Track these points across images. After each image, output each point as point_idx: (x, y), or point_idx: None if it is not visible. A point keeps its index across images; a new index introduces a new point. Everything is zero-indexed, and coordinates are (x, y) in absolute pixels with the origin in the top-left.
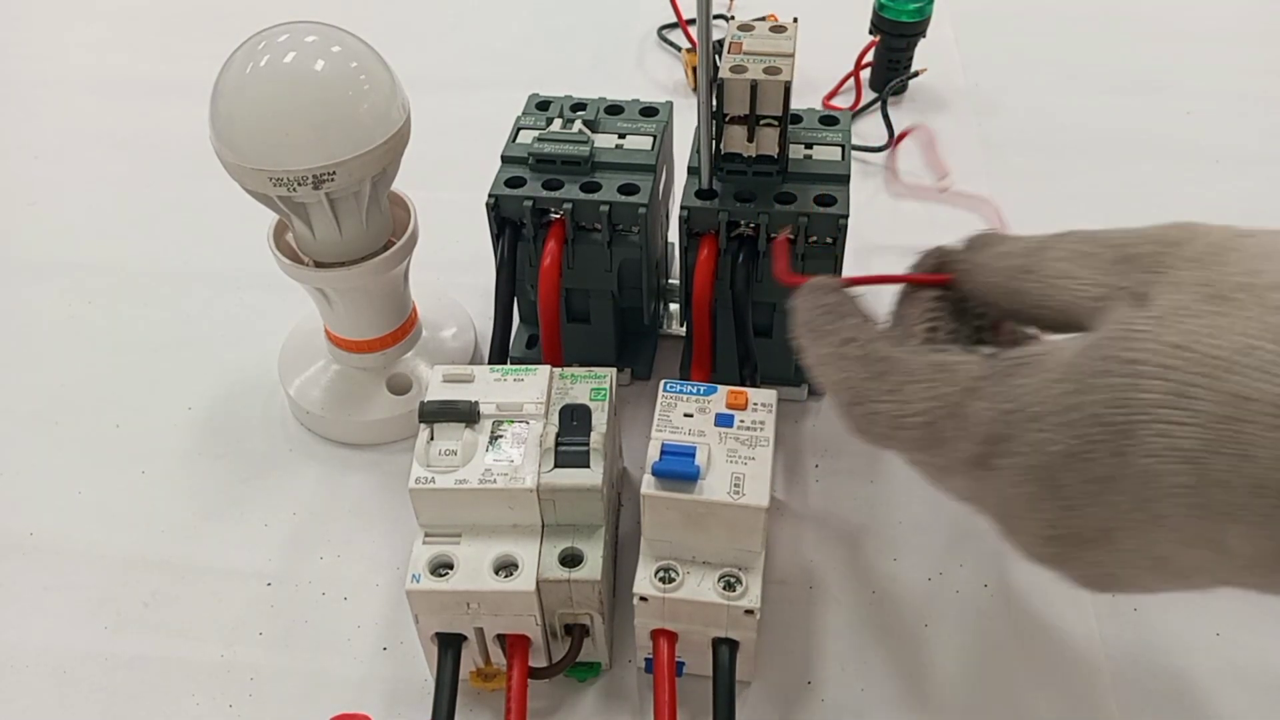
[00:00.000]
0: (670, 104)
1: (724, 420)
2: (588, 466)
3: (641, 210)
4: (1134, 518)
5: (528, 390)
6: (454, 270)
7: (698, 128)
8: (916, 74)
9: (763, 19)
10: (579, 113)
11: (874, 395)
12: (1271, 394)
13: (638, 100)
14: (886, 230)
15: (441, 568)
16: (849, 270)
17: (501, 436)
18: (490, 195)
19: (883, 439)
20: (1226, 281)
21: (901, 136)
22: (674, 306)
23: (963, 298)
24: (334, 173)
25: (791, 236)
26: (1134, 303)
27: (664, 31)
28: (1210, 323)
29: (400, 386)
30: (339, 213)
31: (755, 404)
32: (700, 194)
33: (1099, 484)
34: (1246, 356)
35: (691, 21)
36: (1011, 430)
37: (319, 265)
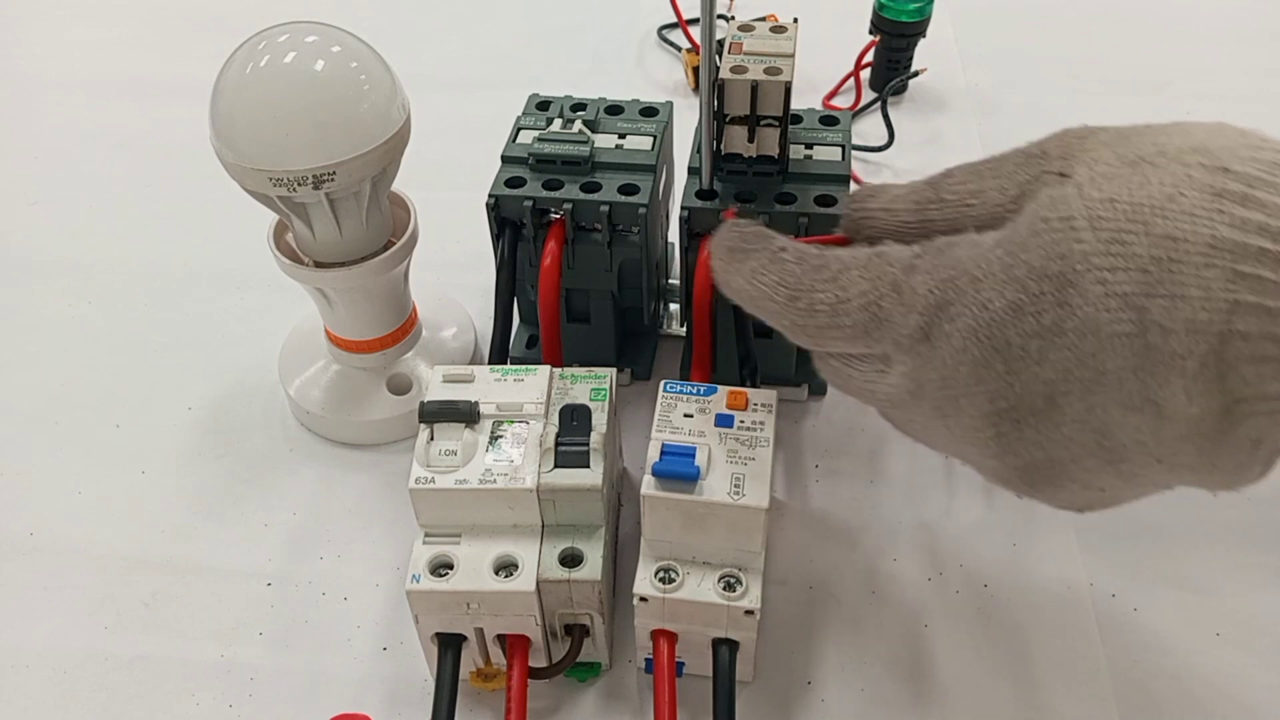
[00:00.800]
0: (670, 104)
1: (724, 421)
2: (588, 467)
3: (642, 210)
4: (1078, 375)
5: (528, 390)
6: (454, 270)
7: (698, 128)
8: (916, 74)
9: (763, 19)
10: (579, 113)
11: (814, 286)
12: (1201, 234)
13: (638, 100)
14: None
15: (441, 568)
16: None
17: (501, 436)
18: (490, 195)
19: (824, 331)
20: (1140, 151)
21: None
22: (674, 306)
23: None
24: (334, 173)
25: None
26: (1058, 181)
27: (664, 31)
28: (1134, 179)
29: (400, 386)
30: (339, 213)
31: (755, 404)
32: (701, 194)
33: (1043, 338)
34: (1173, 203)
35: (693, 21)
36: (954, 295)
37: (319, 265)
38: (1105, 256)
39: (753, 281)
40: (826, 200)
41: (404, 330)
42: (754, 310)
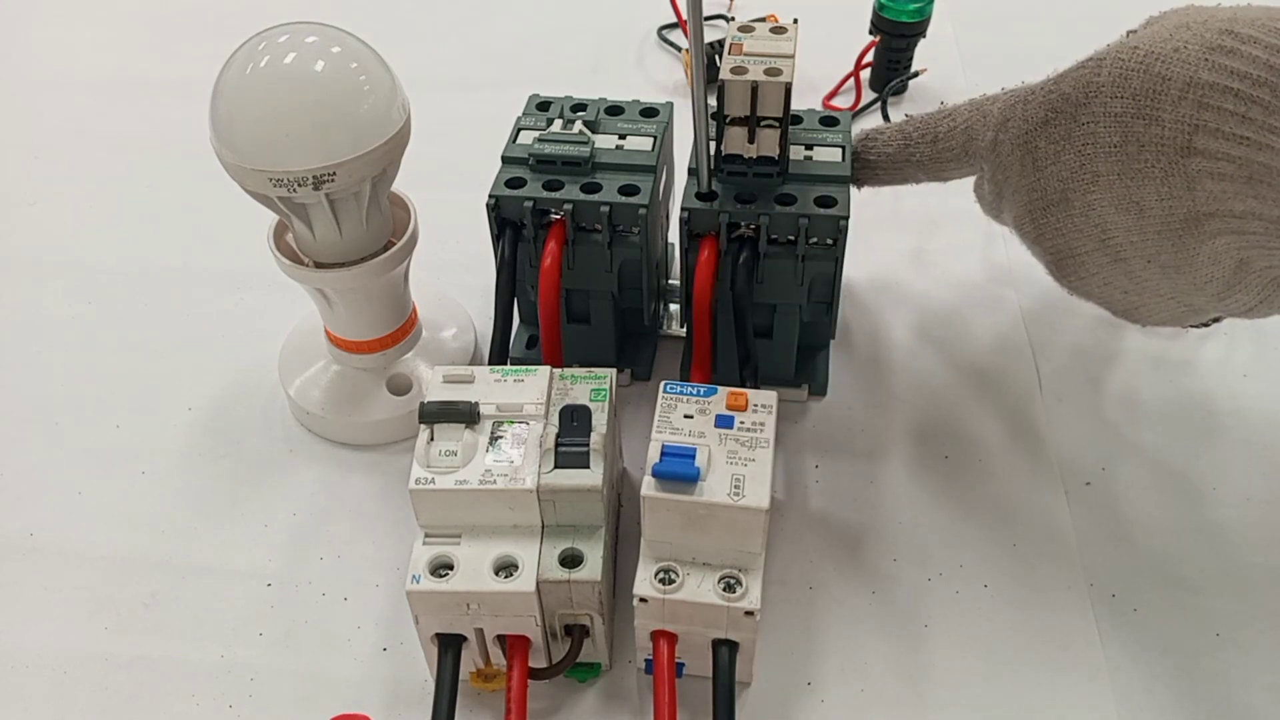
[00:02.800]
0: (670, 104)
1: (724, 421)
2: (587, 467)
3: (642, 211)
4: (1080, 175)
5: (528, 391)
6: (454, 270)
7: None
8: (916, 74)
9: (762, 20)
10: (579, 113)
11: (937, 123)
12: (1183, 75)
13: (638, 101)
14: (887, 229)
15: (441, 568)
16: (851, 267)
17: (501, 437)
18: (490, 196)
19: (941, 155)
20: (1194, 17)
21: None
22: (674, 307)
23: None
24: (334, 173)
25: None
26: (1122, 38)
27: (664, 31)
28: (1164, 35)
29: (400, 387)
30: (339, 213)
31: (755, 405)
32: (700, 195)
33: (1058, 144)
34: (1176, 52)
35: None
36: (1010, 111)
37: (319, 266)
38: (1111, 87)
39: (889, 138)
40: (826, 201)
41: (404, 330)
42: (896, 155)
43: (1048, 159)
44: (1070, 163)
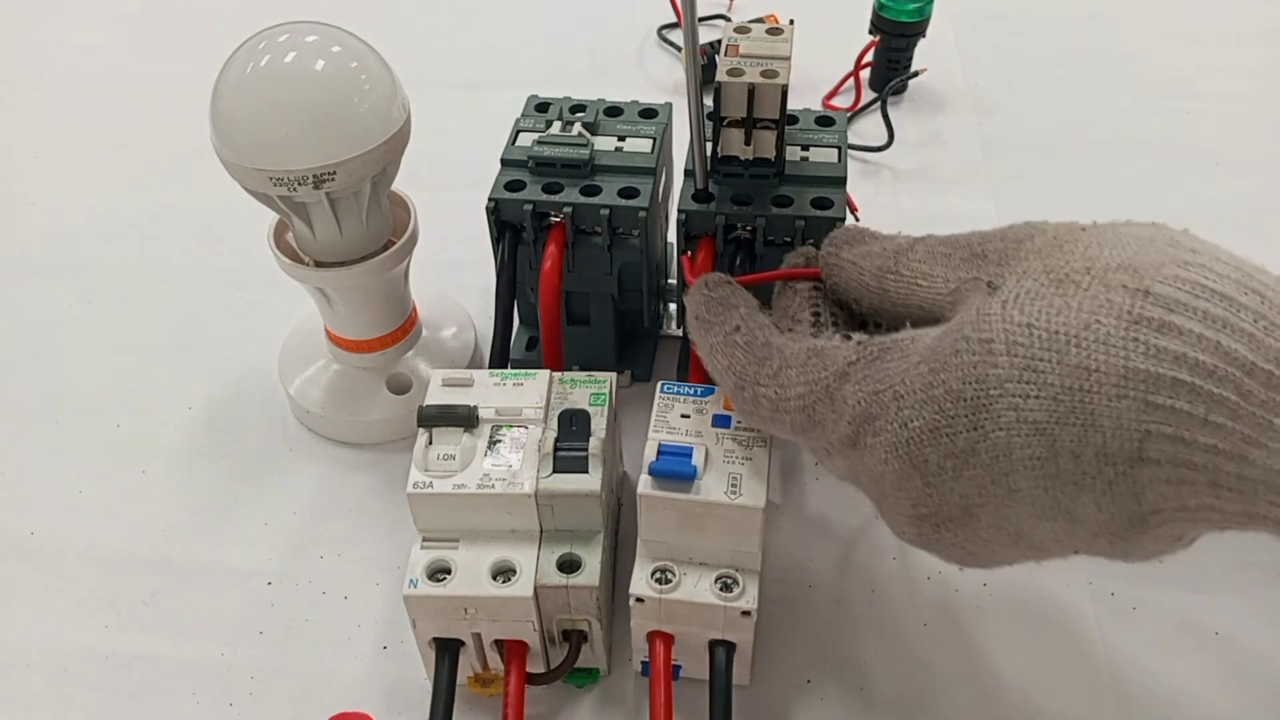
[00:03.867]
0: (670, 105)
1: (721, 421)
2: (586, 472)
3: (642, 214)
4: (992, 492)
5: (527, 395)
6: (454, 270)
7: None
8: (916, 74)
9: (760, 20)
10: (578, 115)
11: (758, 380)
12: (1113, 365)
13: (637, 102)
14: (887, 229)
15: (439, 573)
16: None
17: (500, 441)
18: (490, 199)
19: (767, 422)
20: (1069, 267)
21: None
22: (673, 307)
23: (839, 292)
24: (334, 172)
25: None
26: (987, 292)
27: (664, 31)
28: (1055, 303)
29: (400, 386)
30: (339, 212)
31: None
32: (697, 197)
33: (957, 458)
34: (1089, 330)
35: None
36: (878, 410)
37: (319, 265)
38: (1019, 384)
39: (711, 359)
40: (823, 203)
41: (404, 330)
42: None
43: (943, 476)
44: (976, 480)
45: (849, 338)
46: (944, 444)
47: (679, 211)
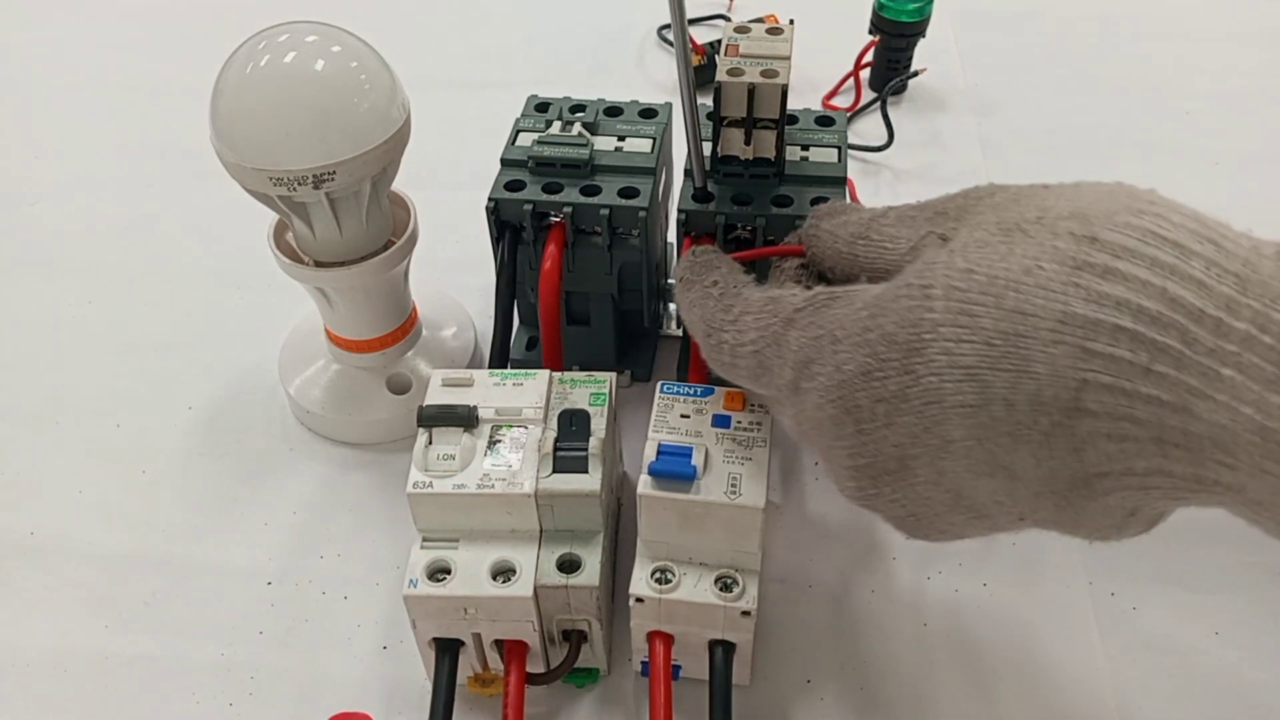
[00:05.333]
0: (670, 105)
1: (721, 421)
2: (586, 472)
3: (642, 214)
4: (924, 441)
5: (527, 395)
6: (454, 270)
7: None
8: (916, 74)
9: (760, 20)
10: (578, 114)
11: (722, 326)
12: (1051, 310)
13: (636, 102)
14: None
15: (439, 573)
16: None
17: (500, 441)
18: (490, 199)
19: (727, 368)
20: (1020, 217)
21: None
22: (673, 307)
23: (818, 262)
24: (334, 172)
25: None
26: (938, 245)
27: (664, 31)
28: (1000, 250)
29: (400, 386)
30: (339, 212)
31: (752, 405)
32: (697, 196)
33: (889, 403)
34: (1029, 275)
35: (693, 21)
36: (815, 354)
37: (319, 265)
38: (953, 328)
39: (688, 313)
40: (823, 202)
41: (404, 330)
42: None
43: (874, 421)
44: (908, 426)
45: (809, 288)
46: (875, 388)
47: (679, 211)
